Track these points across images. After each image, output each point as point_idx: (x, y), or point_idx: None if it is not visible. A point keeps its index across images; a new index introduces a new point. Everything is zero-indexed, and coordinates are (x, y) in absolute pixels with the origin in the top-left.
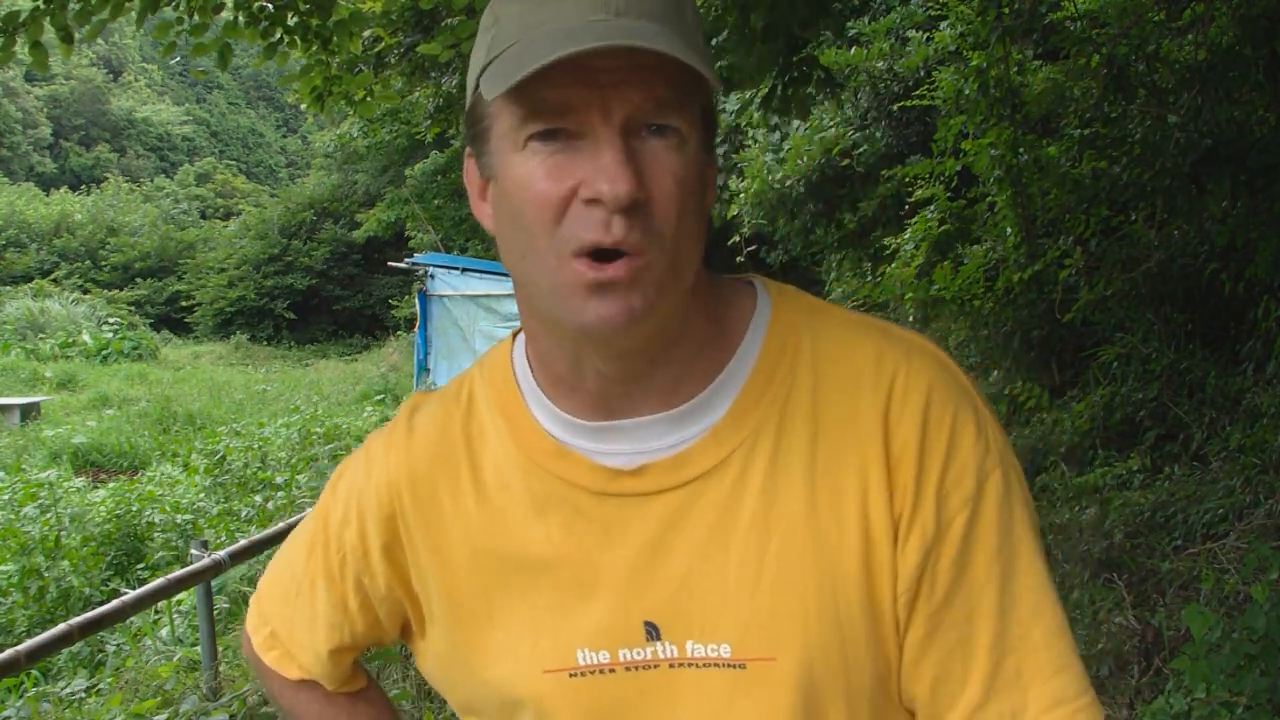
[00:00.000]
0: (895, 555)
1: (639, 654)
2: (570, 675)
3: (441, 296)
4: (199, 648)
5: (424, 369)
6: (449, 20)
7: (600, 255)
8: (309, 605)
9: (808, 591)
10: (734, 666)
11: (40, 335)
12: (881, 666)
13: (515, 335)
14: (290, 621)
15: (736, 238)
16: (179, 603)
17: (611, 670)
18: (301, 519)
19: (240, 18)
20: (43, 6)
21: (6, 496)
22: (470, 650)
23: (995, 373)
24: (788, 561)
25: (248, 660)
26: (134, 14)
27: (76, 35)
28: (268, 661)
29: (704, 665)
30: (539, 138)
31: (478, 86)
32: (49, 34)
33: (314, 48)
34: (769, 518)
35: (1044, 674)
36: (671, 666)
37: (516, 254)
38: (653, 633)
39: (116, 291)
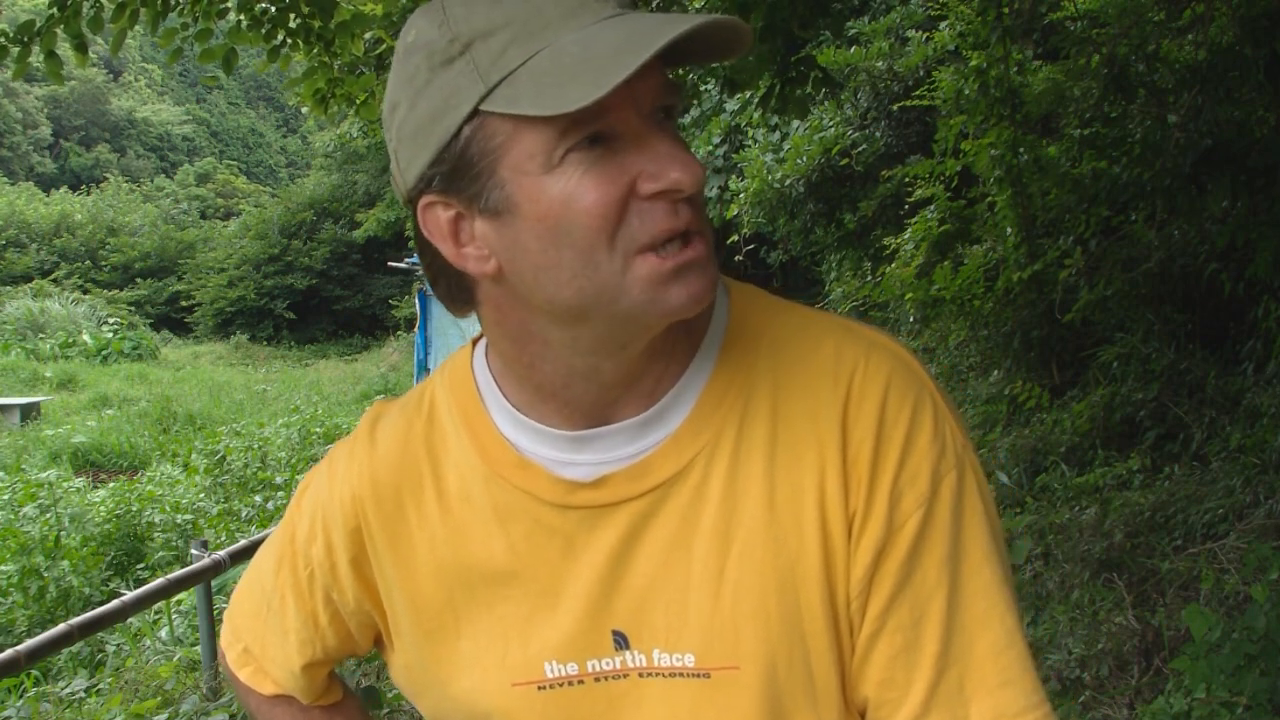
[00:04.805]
0: (849, 555)
1: (608, 664)
2: (539, 688)
3: None
4: (199, 648)
5: (424, 369)
6: None
7: (667, 241)
8: (280, 621)
9: (768, 597)
10: (699, 676)
11: (40, 335)
12: (846, 669)
13: (474, 343)
14: (262, 638)
15: (736, 238)
16: (179, 603)
17: (580, 681)
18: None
19: (243, 21)
20: (57, 15)
21: (6, 496)
22: (438, 663)
23: (995, 373)
24: (748, 567)
25: (224, 676)
26: (146, 20)
27: (89, 43)
28: (242, 678)
29: (670, 675)
30: (581, 146)
31: (470, 118)
32: (63, 41)
33: (316, 50)
34: (730, 523)
35: (987, 687)
36: (641, 676)
37: (564, 278)
38: (621, 642)
39: (116, 291)
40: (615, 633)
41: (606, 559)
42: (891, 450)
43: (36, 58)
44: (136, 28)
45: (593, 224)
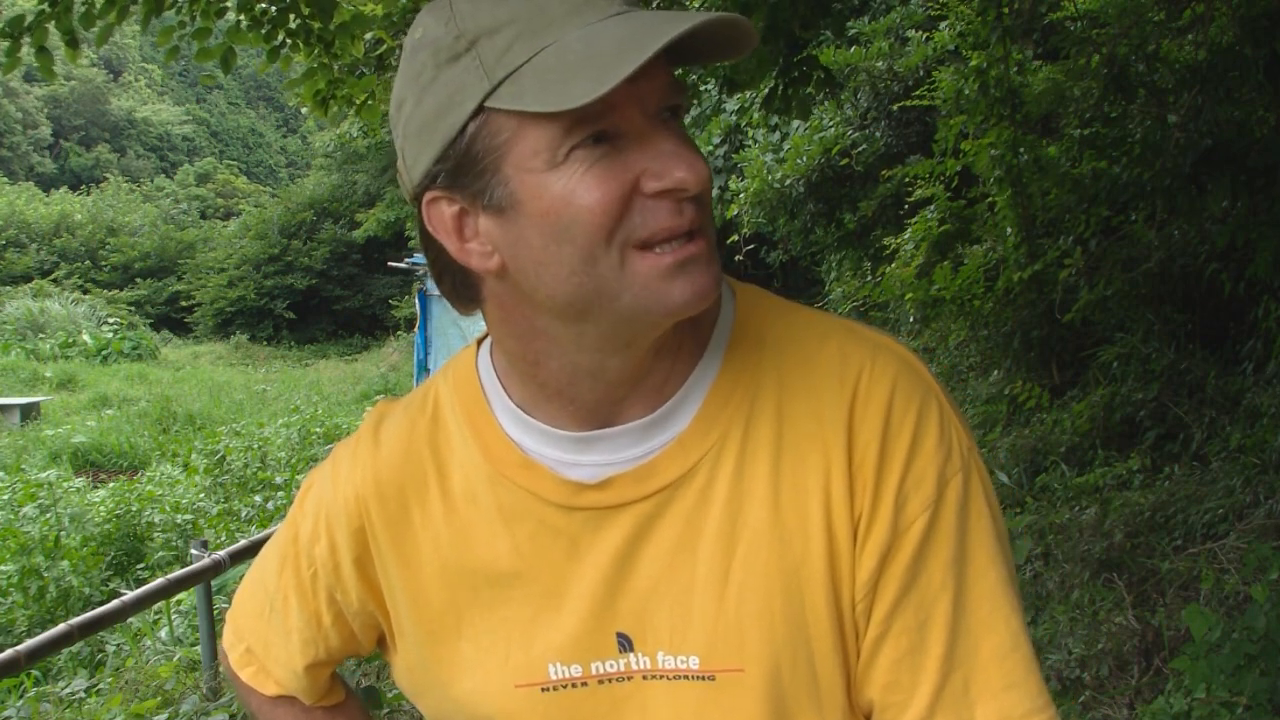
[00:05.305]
0: (854, 558)
1: (612, 666)
2: (542, 690)
3: (441, 296)
4: (199, 648)
5: (424, 369)
6: None
7: (668, 239)
8: (283, 621)
9: (773, 599)
10: (703, 678)
11: (40, 335)
12: (850, 672)
13: (479, 344)
14: (265, 638)
15: (736, 238)
16: (179, 603)
17: (584, 684)
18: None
19: (243, 21)
20: (48, 10)
21: (6, 496)
22: (440, 664)
23: (995, 373)
24: (753, 570)
25: (225, 676)
26: (138, 17)
27: (81, 39)
28: (244, 678)
29: (674, 677)
30: (585, 144)
31: (475, 115)
32: (54, 37)
33: (316, 51)
34: (735, 525)
35: (992, 690)
36: (645, 678)
37: (563, 274)
38: (625, 644)
39: (116, 291)
40: (619, 635)
41: (611, 561)
42: (897, 453)
43: (27, 54)
44: (135, 27)
45: (594, 221)
